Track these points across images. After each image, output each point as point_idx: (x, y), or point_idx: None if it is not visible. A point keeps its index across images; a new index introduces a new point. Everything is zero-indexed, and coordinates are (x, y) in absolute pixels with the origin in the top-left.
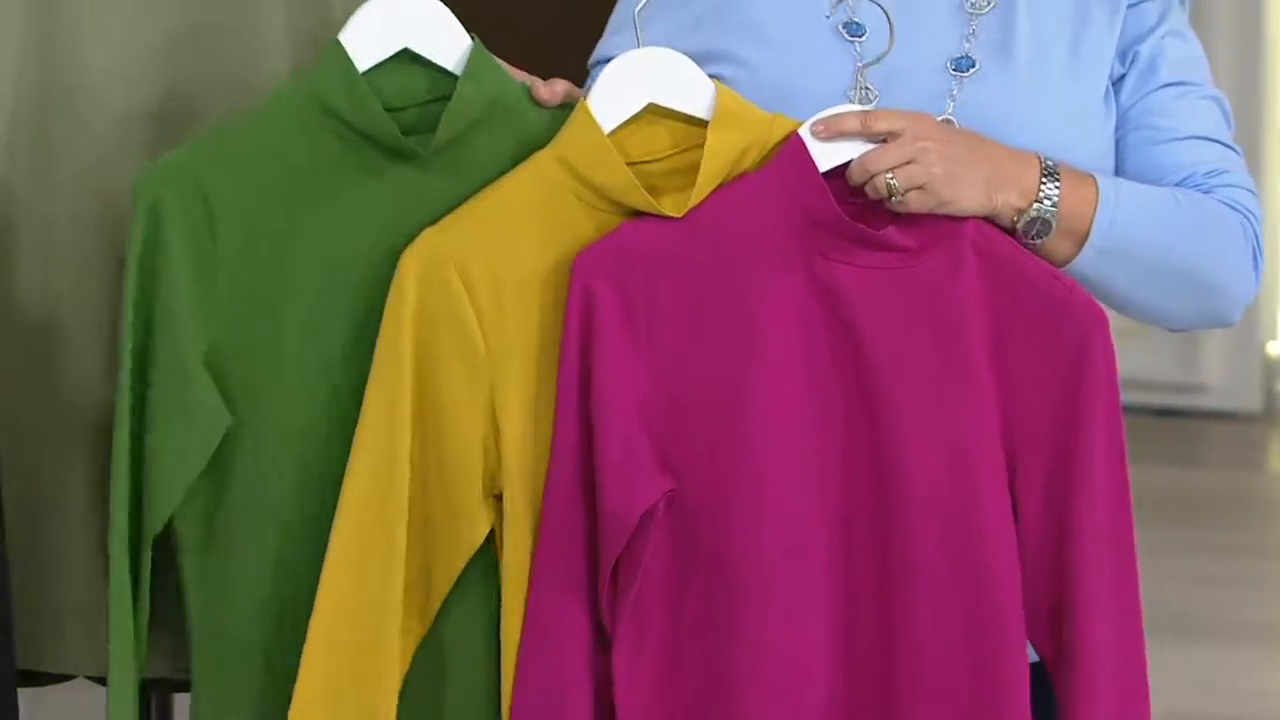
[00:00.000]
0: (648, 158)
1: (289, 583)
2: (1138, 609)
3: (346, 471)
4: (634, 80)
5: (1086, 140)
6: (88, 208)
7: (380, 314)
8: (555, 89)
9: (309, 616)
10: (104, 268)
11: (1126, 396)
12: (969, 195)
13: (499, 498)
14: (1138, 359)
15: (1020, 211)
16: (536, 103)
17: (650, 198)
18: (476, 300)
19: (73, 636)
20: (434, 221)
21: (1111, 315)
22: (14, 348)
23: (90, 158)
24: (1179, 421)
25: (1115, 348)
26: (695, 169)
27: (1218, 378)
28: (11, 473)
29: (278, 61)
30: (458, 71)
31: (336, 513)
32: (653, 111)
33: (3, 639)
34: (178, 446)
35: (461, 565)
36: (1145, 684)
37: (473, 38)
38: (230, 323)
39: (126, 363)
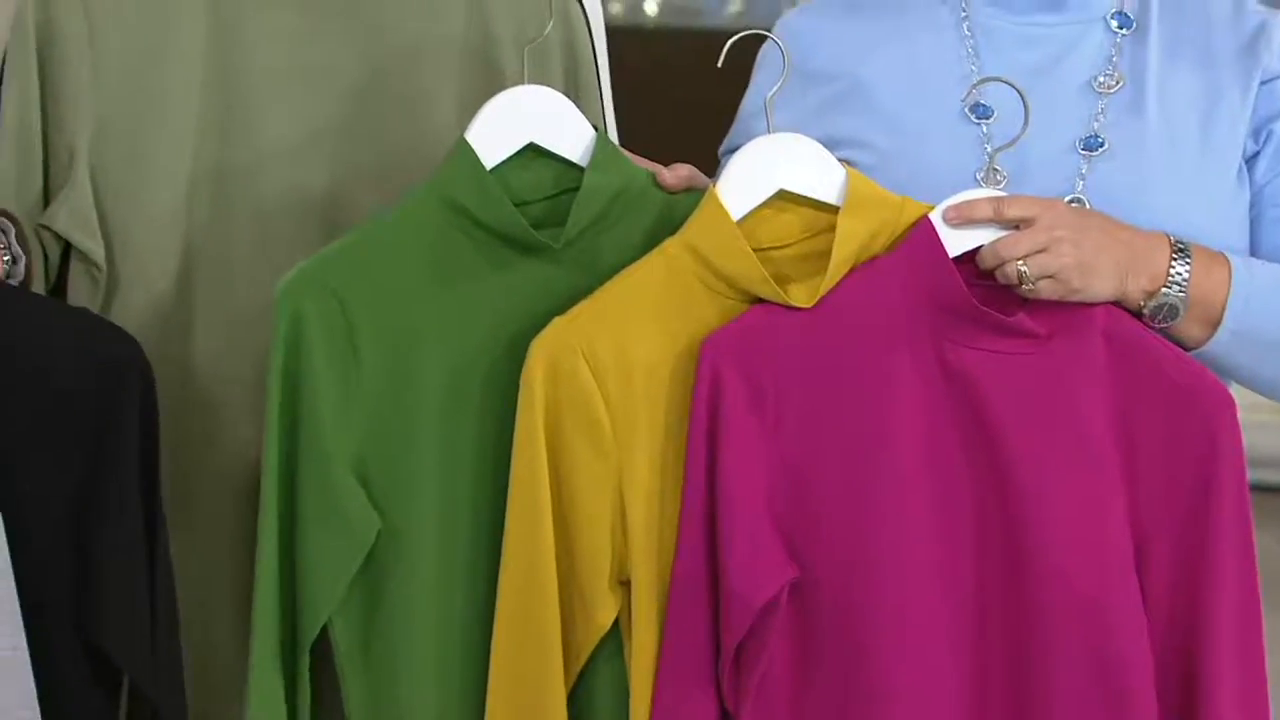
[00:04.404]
0: (777, 244)
1: (448, 672)
2: (1265, 695)
3: (501, 565)
4: (763, 167)
5: (1219, 219)
6: (263, 282)
7: (514, 406)
8: (679, 174)
9: (472, 705)
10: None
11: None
12: (1101, 284)
13: (625, 584)
14: None
15: (1149, 295)
16: (661, 189)
17: (779, 288)
18: (604, 387)
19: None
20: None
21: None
22: (193, 411)
23: (264, 234)
24: None
25: (1264, 426)
26: (825, 254)
27: None
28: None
29: (448, 131)
30: (583, 163)
31: (498, 603)
32: (782, 197)
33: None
34: (332, 553)
35: (591, 649)
36: None
37: (595, 129)
38: (372, 425)
39: (272, 472)
